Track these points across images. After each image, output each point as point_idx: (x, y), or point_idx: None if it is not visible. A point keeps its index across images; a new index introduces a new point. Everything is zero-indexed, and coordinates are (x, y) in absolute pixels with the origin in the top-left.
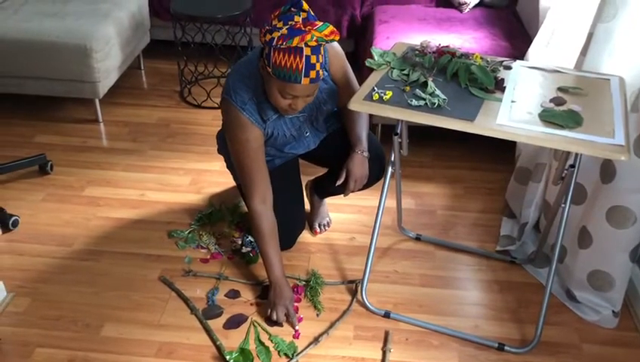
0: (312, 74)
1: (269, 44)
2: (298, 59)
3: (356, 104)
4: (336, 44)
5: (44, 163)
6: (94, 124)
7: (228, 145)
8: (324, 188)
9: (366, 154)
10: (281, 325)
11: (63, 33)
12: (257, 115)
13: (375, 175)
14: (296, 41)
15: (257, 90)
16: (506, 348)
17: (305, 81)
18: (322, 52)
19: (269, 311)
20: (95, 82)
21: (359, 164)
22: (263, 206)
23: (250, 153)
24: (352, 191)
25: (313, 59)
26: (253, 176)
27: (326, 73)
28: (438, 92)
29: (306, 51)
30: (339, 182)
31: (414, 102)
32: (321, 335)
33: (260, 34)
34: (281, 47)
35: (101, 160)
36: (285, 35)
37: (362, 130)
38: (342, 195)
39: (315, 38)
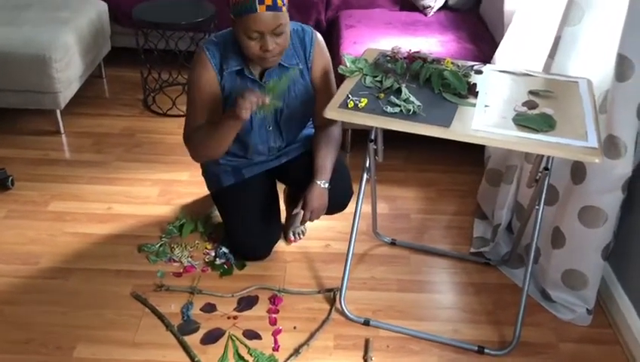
0: (268, 1)
1: None
2: None
3: (332, 112)
4: (324, 46)
5: (4, 177)
6: (55, 135)
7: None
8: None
9: (326, 185)
10: None
11: (20, 42)
12: (218, 60)
13: (338, 205)
14: None
15: (227, 44)
16: (485, 350)
17: (261, 8)
18: None
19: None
20: (56, 93)
21: (318, 195)
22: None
23: (200, 95)
24: (311, 221)
25: None
26: (196, 117)
27: (305, 68)
28: (412, 98)
29: None
30: (296, 211)
31: (389, 109)
32: (301, 346)
33: None
34: None
35: (65, 173)
36: None
37: (327, 158)
38: None
39: None
